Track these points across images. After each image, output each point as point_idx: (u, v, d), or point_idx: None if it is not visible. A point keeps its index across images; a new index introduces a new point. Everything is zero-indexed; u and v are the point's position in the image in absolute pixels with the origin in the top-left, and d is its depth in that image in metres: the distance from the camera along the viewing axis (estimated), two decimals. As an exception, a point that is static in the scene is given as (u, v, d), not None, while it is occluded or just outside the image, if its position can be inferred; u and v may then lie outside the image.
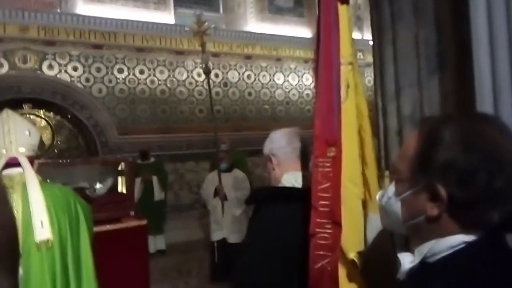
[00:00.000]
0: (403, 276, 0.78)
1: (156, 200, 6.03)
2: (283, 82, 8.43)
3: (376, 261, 1.13)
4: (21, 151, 1.91)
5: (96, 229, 3.17)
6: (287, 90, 8.47)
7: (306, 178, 1.40)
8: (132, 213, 4.02)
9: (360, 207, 1.17)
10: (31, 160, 1.92)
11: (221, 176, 4.61)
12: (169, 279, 4.96)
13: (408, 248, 0.82)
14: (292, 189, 1.42)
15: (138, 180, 5.75)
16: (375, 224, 1.17)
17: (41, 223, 1.82)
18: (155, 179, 6.06)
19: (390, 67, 1.67)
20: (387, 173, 1.29)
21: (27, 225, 1.79)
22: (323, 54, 1.24)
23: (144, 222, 3.98)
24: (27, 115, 6.03)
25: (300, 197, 1.33)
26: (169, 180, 6.70)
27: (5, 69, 5.91)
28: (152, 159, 6.25)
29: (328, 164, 1.21)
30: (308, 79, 8.59)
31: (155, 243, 6.01)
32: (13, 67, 5.96)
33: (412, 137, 0.79)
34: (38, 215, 1.81)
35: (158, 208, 6.05)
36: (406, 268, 0.78)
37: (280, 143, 1.48)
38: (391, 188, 0.82)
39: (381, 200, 0.85)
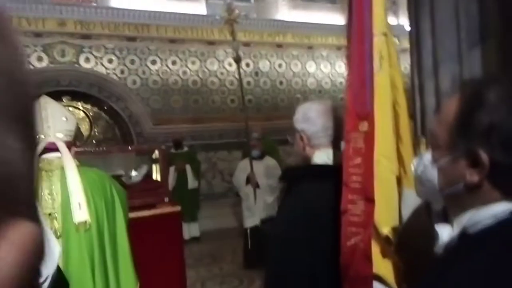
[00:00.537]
0: (441, 249, 0.74)
1: (190, 188, 6.14)
2: (315, 71, 8.30)
3: (411, 238, 1.08)
4: (59, 136, 1.97)
5: (132, 215, 3.27)
6: (319, 78, 8.33)
7: (337, 156, 1.36)
8: (166, 199, 4.10)
9: (394, 182, 1.13)
10: (68, 145, 1.98)
11: (253, 164, 4.62)
12: (204, 265, 5.05)
13: (447, 221, 0.78)
14: (324, 167, 1.38)
15: (172, 169, 5.88)
16: (410, 200, 1.13)
17: (79, 205, 1.88)
18: (188, 168, 6.16)
19: (428, 40, 1.58)
20: (423, 140, 1.22)
21: (65, 207, 1.86)
22: (355, 25, 1.19)
23: (178, 208, 4.05)
24: (66, 108, 6.27)
25: (332, 175, 1.29)
26: (202, 169, 6.80)
27: (45, 63, 6.16)
28: (185, 149, 6.35)
29: (360, 139, 1.16)
30: (341, 67, 8.40)
31: (190, 230, 6.13)
32: (52, 61, 6.20)
33: (452, 101, 0.74)
34: (76, 198, 1.87)
35: (192, 196, 6.15)
36: (445, 240, 0.74)
37: (314, 124, 1.41)
38: (428, 156, 0.77)
39: (416, 168, 0.81)
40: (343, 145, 1.30)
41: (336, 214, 1.21)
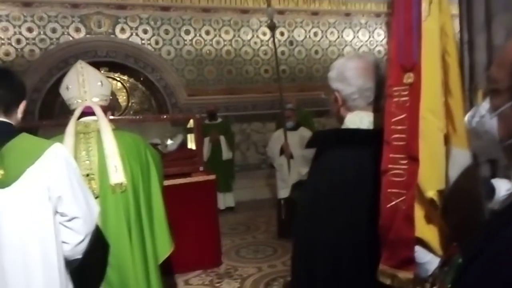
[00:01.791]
0: (498, 205, 0.66)
1: (224, 159, 6.18)
2: (353, 39, 7.97)
3: (460, 201, 1.00)
4: (95, 101, 1.99)
5: (168, 183, 3.33)
6: (357, 47, 8.01)
7: (377, 118, 1.25)
8: (201, 168, 4.15)
9: (441, 140, 1.03)
10: (104, 109, 2.00)
11: (287, 134, 4.56)
12: (238, 233, 5.13)
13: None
14: (356, 131, 1.27)
15: (206, 140, 5.93)
16: (459, 160, 1.04)
17: (115, 167, 1.91)
18: (222, 139, 6.18)
19: (481, -11, 1.43)
20: (479, 89, 1.11)
21: (102, 169, 1.89)
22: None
23: (212, 177, 4.10)
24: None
25: (365, 139, 1.20)
26: (236, 141, 6.82)
27: (83, 33, 6.28)
28: (219, 120, 6.37)
29: (404, 93, 1.07)
30: (380, 35, 8.03)
31: (225, 200, 6.22)
32: (89, 32, 6.31)
33: None
34: (112, 160, 1.90)
35: (227, 167, 6.21)
36: (502, 195, 0.66)
37: (350, 84, 1.28)
38: (485, 104, 0.69)
39: (470, 120, 0.72)
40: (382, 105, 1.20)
41: (367, 181, 1.13)
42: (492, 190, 0.69)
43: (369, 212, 1.12)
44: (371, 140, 1.18)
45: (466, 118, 0.74)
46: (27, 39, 6.05)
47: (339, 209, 1.22)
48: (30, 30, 6.06)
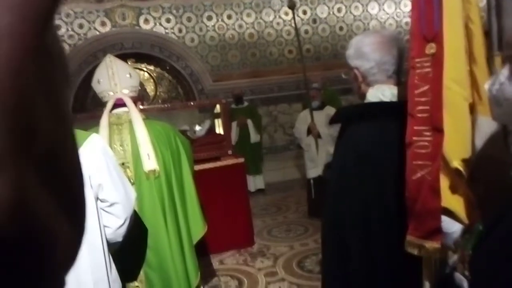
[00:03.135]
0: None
1: (252, 142, 6.23)
2: (378, 12, 7.73)
3: (487, 169, 1.00)
4: (125, 92, 2.06)
5: (198, 167, 3.43)
6: (383, 20, 7.77)
7: (400, 90, 1.26)
8: (230, 152, 4.22)
9: (466, 110, 1.02)
10: (134, 100, 2.08)
11: (313, 114, 4.54)
12: (269, 214, 5.22)
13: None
14: (378, 104, 1.28)
15: (234, 124, 5.99)
16: (486, 129, 1.03)
17: (148, 155, 1.99)
18: (250, 122, 6.22)
19: None
20: (499, 56, 1.09)
21: (136, 157, 1.98)
22: None
23: (241, 160, 4.17)
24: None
25: (388, 112, 1.21)
26: (263, 123, 6.84)
27: (108, 27, 6.42)
28: (245, 103, 6.40)
29: (427, 64, 1.06)
30: (407, 6, 7.73)
31: (255, 182, 6.30)
32: (114, 25, 6.44)
33: None
34: (144, 149, 1.98)
35: (255, 150, 6.26)
36: None
37: (368, 59, 1.30)
38: (504, 71, 0.68)
39: (491, 88, 0.72)
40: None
41: (395, 155, 1.14)
42: (514, 156, 0.69)
43: (396, 184, 1.13)
44: (395, 112, 1.19)
45: (487, 86, 0.73)
46: (56, 36, 6.24)
47: (366, 181, 1.24)
48: (58, 27, 6.25)
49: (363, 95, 1.35)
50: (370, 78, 1.31)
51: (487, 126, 1.02)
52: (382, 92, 1.29)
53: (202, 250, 3.57)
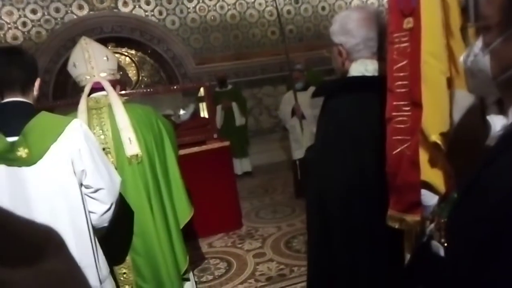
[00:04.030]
0: (493, 141, 0.67)
1: (238, 125, 6.21)
2: (360, -9, 7.69)
3: (464, 141, 1.01)
4: (103, 76, 2.01)
5: (184, 151, 3.41)
6: (365, -1, 7.74)
7: (382, 66, 1.26)
8: (215, 135, 4.20)
9: (443, 83, 1.03)
10: (113, 83, 2.02)
11: (297, 95, 4.53)
12: (257, 196, 5.25)
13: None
14: (361, 78, 1.29)
15: (218, 108, 5.95)
16: (463, 102, 1.04)
17: (129, 139, 1.96)
18: (234, 105, 6.19)
19: None
20: (470, 25, 1.09)
21: (117, 142, 1.94)
22: None
23: (227, 143, 4.15)
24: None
25: (371, 86, 1.21)
26: (248, 106, 6.81)
27: (86, 10, 6.23)
28: (229, 86, 6.35)
29: (405, 39, 1.06)
30: (389, -16, 7.69)
31: (242, 165, 6.31)
32: (92, 8, 6.26)
33: None
34: (125, 133, 1.94)
35: (241, 133, 6.25)
36: (497, 131, 0.67)
37: (353, 36, 1.29)
38: (478, 43, 0.68)
39: (465, 60, 0.72)
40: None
41: (375, 125, 1.15)
42: (488, 127, 0.70)
43: (376, 157, 1.15)
44: (376, 86, 1.19)
45: (461, 58, 0.74)
46: (32, 21, 6.05)
47: (347, 153, 1.26)
48: (34, 12, 6.05)
49: (345, 73, 1.35)
50: (355, 55, 1.31)
51: (465, 99, 1.03)
52: (365, 67, 1.29)
53: (191, 234, 3.58)
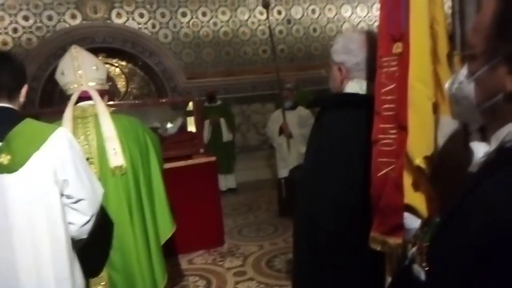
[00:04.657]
0: (476, 168, 0.68)
1: (225, 141, 6.21)
2: (351, 15, 7.88)
3: (447, 166, 1.02)
4: (91, 85, 1.99)
5: (169, 165, 3.37)
6: (355, 23, 7.91)
7: (371, 87, 1.29)
8: (201, 150, 4.18)
9: (429, 109, 1.05)
10: (101, 93, 2.01)
11: (286, 114, 4.57)
12: (240, 213, 5.21)
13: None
14: (355, 95, 1.33)
15: (206, 123, 5.94)
16: (448, 127, 1.06)
17: (114, 150, 1.93)
18: (222, 121, 6.19)
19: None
20: (456, 53, 1.12)
21: (101, 152, 1.91)
22: None
23: (213, 158, 4.13)
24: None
25: (363, 103, 1.24)
26: (236, 122, 6.83)
27: (79, 20, 6.23)
28: (218, 102, 6.36)
29: (393, 63, 1.08)
30: (379, 10, 7.90)
31: (226, 182, 6.27)
32: (85, 18, 6.25)
33: (489, 2, 0.65)
34: (111, 143, 1.91)
35: (227, 149, 6.24)
36: (480, 157, 0.68)
37: (355, 55, 1.35)
38: (463, 71, 0.70)
39: (451, 88, 0.74)
40: None
41: (365, 144, 1.16)
42: (471, 153, 0.71)
43: (367, 175, 1.16)
44: (369, 104, 1.22)
45: (447, 85, 0.75)
46: (23, 27, 6.01)
47: (341, 169, 1.27)
48: (26, 18, 6.02)
49: (342, 91, 1.39)
50: (354, 74, 1.36)
51: (449, 125, 1.05)
52: (361, 86, 1.34)
53: (171, 250, 3.52)
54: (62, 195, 1.45)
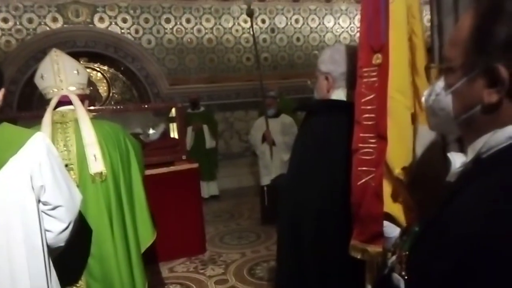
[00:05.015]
0: (454, 178, 0.70)
1: (208, 148, 6.18)
2: (334, 25, 8.00)
3: (425, 175, 1.05)
4: (71, 90, 1.96)
5: (151, 172, 3.33)
6: (338, 33, 8.04)
7: (350, 95, 1.32)
8: (184, 157, 4.15)
9: (408, 119, 1.07)
10: (81, 98, 1.97)
11: (269, 122, 4.59)
12: (222, 221, 5.17)
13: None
14: (342, 101, 1.39)
15: (189, 129, 5.91)
16: (426, 137, 1.08)
17: (94, 156, 1.89)
18: (205, 127, 6.17)
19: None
20: (433, 65, 1.16)
21: (81, 158, 1.87)
22: None
23: (195, 165, 4.11)
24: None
25: (347, 110, 1.27)
26: (220, 129, 6.81)
27: (60, 23, 6.13)
28: (202, 109, 6.34)
29: (373, 74, 1.10)
30: (361, 21, 8.05)
31: (209, 189, 6.24)
32: (67, 21, 6.17)
33: (466, 17, 0.67)
34: (91, 150, 1.88)
35: (210, 156, 6.21)
36: (457, 168, 0.69)
37: (341, 65, 1.42)
38: (440, 83, 0.72)
39: (428, 99, 0.75)
40: None
41: (347, 150, 1.18)
42: (448, 163, 0.73)
43: (346, 181, 1.18)
44: (352, 111, 1.26)
45: (423, 97, 0.77)
46: (2, 30, 5.88)
47: (324, 172, 1.29)
48: (5, 20, 5.89)
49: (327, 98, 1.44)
50: (340, 83, 1.42)
51: (427, 134, 1.07)
52: (345, 95, 1.40)
53: (152, 257, 3.47)
54: (39, 201, 1.41)
